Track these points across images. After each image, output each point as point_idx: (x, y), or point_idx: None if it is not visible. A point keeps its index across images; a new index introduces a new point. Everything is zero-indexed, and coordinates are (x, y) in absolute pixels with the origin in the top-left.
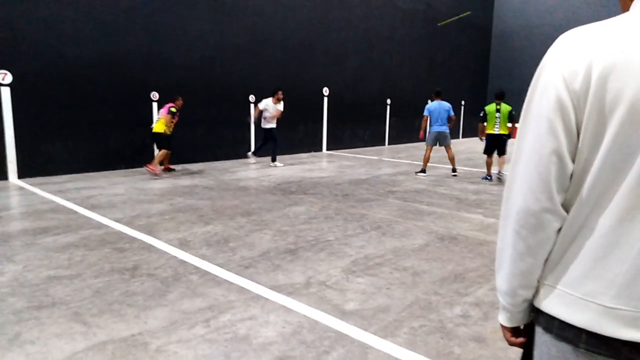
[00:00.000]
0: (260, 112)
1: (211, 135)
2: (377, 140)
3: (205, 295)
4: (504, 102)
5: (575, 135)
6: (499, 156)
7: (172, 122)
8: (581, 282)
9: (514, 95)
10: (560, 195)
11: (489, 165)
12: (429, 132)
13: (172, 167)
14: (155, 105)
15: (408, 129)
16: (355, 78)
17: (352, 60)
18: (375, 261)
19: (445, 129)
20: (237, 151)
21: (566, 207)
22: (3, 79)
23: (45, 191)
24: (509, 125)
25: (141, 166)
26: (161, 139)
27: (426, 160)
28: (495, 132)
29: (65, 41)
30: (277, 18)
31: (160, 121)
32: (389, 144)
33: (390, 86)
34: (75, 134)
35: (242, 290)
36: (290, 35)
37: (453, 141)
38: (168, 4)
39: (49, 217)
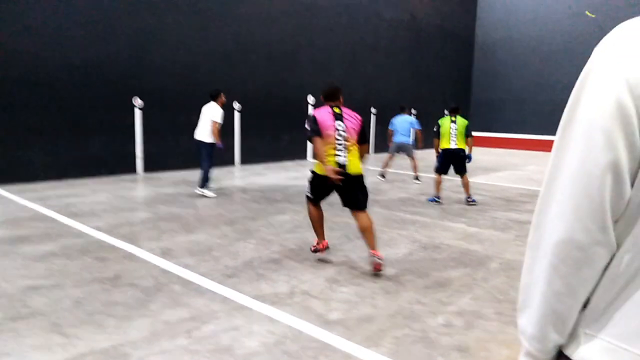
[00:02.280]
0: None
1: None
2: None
3: (187, 305)
4: (460, 116)
5: (638, 152)
6: (461, 177)
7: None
8: None
9: (497, 104)
10: (613, 225)
11: (438, 184)
12: (392, 143)
13: None
14: (138, 111)
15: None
16: (339, 86)
17: (336, 69)
18: (359, 270)
19: (407, 140)
20: (222, 158)
21: (616, 240)
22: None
23: (24, 198)
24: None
25: (125, 172)
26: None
27: (385, 165)
28: (452, 147)
29: (46, 45)
30: (262, 25)
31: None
32: (374, 152)
33: (374, 95)
34: (55, 139)
35: (225, 300)
36: (275, 42)
37: (432, 151)
38: (152, 8)
39: (28, 225)
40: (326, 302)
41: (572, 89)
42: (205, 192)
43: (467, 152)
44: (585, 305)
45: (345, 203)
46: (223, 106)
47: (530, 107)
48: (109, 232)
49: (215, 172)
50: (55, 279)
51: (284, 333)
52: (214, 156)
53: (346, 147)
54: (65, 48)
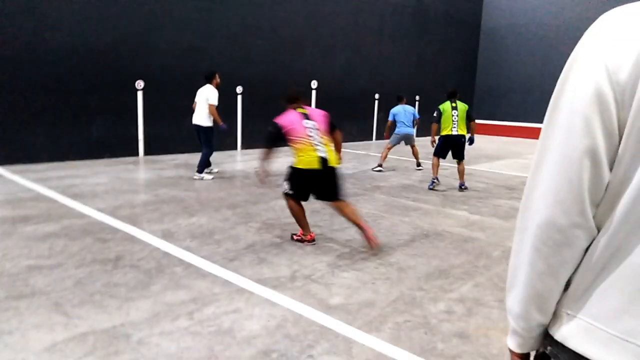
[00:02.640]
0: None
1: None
2: (364, 134)
3: (189, 287)
4: (459, 100)
5: (615, 137)
6: (458, 163)
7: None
8: (618, 318)
9: (502, 92)
10: (592, 209)
11: (435, 167)
12: (394, 134)
13: None
14: (140, 94)
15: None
16: (343, 72)
17: (340, 54)
18: (360, 256)
19: (411, 130)
20: (224, 142)
21: (597, 224)
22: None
23: (26, 179)
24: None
25: (127, 155)
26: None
27: (384, 157)
28: (454, 134)
29: (48, 26)
30: (266, 8)
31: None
32: (376, 139)
33: (378, 81)
34: (57, 121)
35: (226, 283)
36: (279, 26)
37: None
38: None
39: (30, 206)
40: (327, 286)
41: None
42: (204, 176)
43: (470, 135)
44: (567, 287)
45: (322, 196)
46: (218, 87)
47: (535, 95)
48: (110, 213)
49: (217, 156)
50: (57, 259)
51: (284, 317)
52: (213, 140)
53: (322, 142)
54: (67, 30)
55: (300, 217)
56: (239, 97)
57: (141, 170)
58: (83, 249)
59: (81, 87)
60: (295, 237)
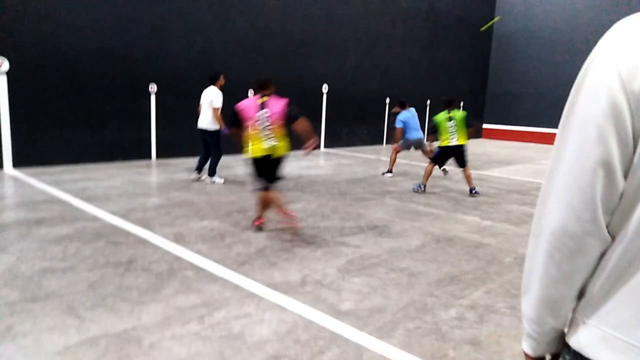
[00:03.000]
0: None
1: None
2: (375, 139)
3: (200, 291)
4: (456, 109)
5: (630, 147)
6: (463, 170)
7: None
8: (635, 327)
9: (513, 97)
10: (606, 217)
11: (428, 173)
12: (404, 139)
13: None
14: (153, 97)
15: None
16: (354, 76)
17: (352, 58)
18: (371, 261)
19: (422, 135)
20: (236, 146)
21: (611, 232)
22: (0, 67)
23: (40, 182)
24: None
25: (140, 158)
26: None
27: (393, 162)
28: (452, 144)
29: (65, 31)
30: (278, 13)
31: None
32: (386, 143)
33: (389, 85)
34: (72, 124)
35: (237, 287)
36: (291, 30)
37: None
38: None
39: (44, 208)
40: (338, 292)
41: None
42: (216, 179)
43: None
44: (583, 294)
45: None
46: (222, 89)
47: (548, 100)
48: (123, 216)
49: (229, 160)
50: (70, 262)
51: (295, 322)
52: (221, 143)
53: (271, 132)
54: (82, 34)
55: (264, 205)
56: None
57: (153, 173)
58: (96, 251)
59: (95, 90)
60: (256, 223)
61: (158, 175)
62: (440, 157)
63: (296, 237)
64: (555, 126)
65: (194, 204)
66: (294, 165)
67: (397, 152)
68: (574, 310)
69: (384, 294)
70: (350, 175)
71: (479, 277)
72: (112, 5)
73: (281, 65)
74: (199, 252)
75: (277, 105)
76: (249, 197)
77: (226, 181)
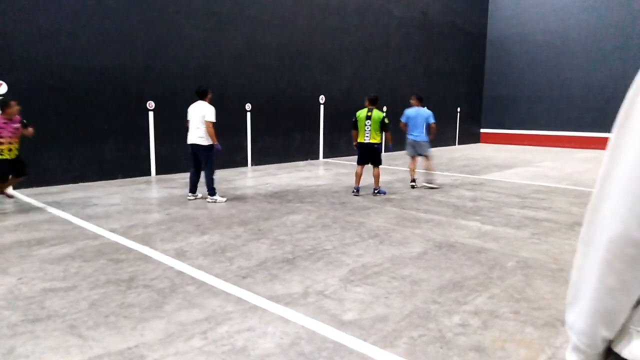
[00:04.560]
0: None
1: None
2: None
3: (202, 306)
4: (377, 109)
5: None
6: (374, 167)
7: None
8: None
9: (510, 101)
10: None
11: (357, 176)
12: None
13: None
14: (151, 114)
15: (404, 136)
16: (351, 85)
17: (347, 68)
18: (373, 270)
19: (421, 138)
20: (234, 160)
21: None
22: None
23: (40, 201)
24: (383, 133)
25: (139, 175)
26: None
27: (412, 170)
28: (366, 141)
29: (62, 51)
30: (272, 26)
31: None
32: (385, 151)
33: (386, 93)
34: (71, 143)
35: (239, 300)
36: (286, 43)
37: (452, 147)
38: (164, 13)
39: (45, 228)
40: (340, 302)
41: (587, 84)
42: (217, 198)
43: (387, 143)
44: (638, 303)
45: (14, 173)
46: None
47: (544, 102)
48: (123, 233)
49: (228, 173)
50: (72, 281)
51: (298, 334)
52: (215, 158)
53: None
54: (80, 53)
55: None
56: (248, 114)
57: (153, 190)
58: (97, 270)
59: (93, 109)
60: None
61: (158, 191)
62: (359, 156)
63: (297, 248)
64: (552, 129)
65: (194, 218)
66: (294, 176)
67: (412, 161)
68: (628, 320)
69: (386, 303)
70: (350, 185)
71: (481, 282)
72: (108, 24)
73: (277, 78)
74: (200, 266)
75: (11, 124)
76: (249, 209)
77: (228, 199)
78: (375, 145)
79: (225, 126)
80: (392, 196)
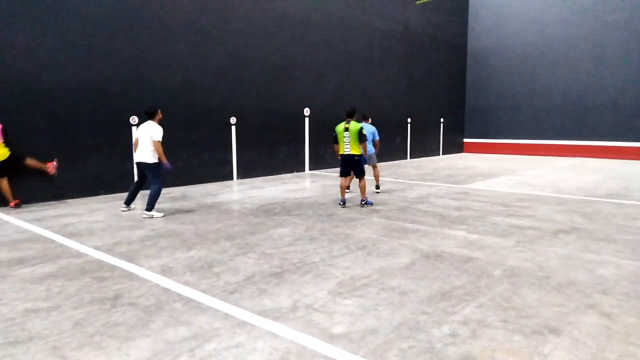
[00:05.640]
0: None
1: (192, 159)
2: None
3: (189, 323)
4: (355, 120)
5: None
6: (359, 180)
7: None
8: None
9: (492, 111)
10: None
11: (342, 188)
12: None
13: (18, 201)
14: (134, 129)
15: (389, 146)
16: (335, 98)
17: (331, 80)
18: (361, 282)
19: (370, 150)
20: (220, 173)
21: None
22: None
23: (21, 219)
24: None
25: (123, 191)
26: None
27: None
28: (346, 153)
29: (43, 67)
30: (256, 40)
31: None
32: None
33: (370, 105)
34: (52, 159)
35: (227, 316)
36: (270, 56)
37: (435, 158)
38: (147, 29)
39: (25, 247)
40: (329, 315)
41: (565, 93)
42: (154, 213)
43: (362, 154)
44: None
45: None
46: (161, 123)
47: (525, 112)
48: (107, 251)
49: (214, 187)
50: (54, 301)
51: (287, 349)
52: (162, 175)
53: None
54: (62, 69)
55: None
56: (233, 128)
57: (137, 205)
58: (81, 289)
59: (76, 125)
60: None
61: (142, 207)
62: (341, 168)
63: (285, 261)
64: (534, 137)
65: (179, 234)
66: (280, 189)
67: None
68: None
69: (376, 315)
70: (337, 196)
71: (469, 291)
72: (90, 41)
73: (262, 91)
74: (187, 282)
75: None
76: (235, 223)
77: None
78: (356, 157)
79: (210, 140)
80: (379, 207)
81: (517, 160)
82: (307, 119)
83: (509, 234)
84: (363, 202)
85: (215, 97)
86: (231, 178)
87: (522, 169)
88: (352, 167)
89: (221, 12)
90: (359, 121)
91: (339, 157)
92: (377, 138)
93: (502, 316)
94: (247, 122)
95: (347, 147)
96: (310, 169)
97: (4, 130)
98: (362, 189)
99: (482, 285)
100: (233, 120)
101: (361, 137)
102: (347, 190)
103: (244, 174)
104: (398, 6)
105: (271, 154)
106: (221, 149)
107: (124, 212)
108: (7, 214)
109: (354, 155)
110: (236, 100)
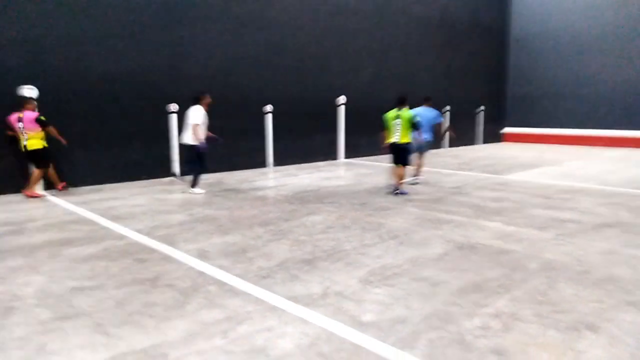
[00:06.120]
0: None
1: (229, 145)
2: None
3: (223, 306)
4: (405, 109)
5: None
6: (400, 167)
7: (46, 132)
8: None
9: (535, 99)
10: None
11: (394, 175)
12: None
13: (64, 183)
14: (174, 116)
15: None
16: (371, 85)
17: (367, 68)
18: (392, 271)
19: (423, 136)
20: (255, 160)
21: None
22: (29, 93)
23: (69, 202)
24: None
25: (163, 176)
26: (40, 156)
27: (418, 167)
28: (395, 141)
29: (88, 56)
30: (291, 28)
31: (34, 136)
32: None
33: (406, 93)
34: (97, 146)
35: (259, 301)
36: (305, 44)
37: (475, 147)
38: (187, 18)
39: (73, 229)
40: (359, 303)
41: (614, 81)
42: (196, 190)
43: (411, 143)
44: None
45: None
46: (208, 107)
47: (570, 100)
48: (148, 234)
49: (248, 174)
50: (99, 280)
51: (317, 334)
52: (200, 158)
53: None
54: (106, 59)
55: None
56: (269, 116)
57: (176, 191)
58: (123, 269)
59: (117, 112)
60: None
61: (181, 192)
62: (391, 156)
63: (317, 248)
64: (580, 127)
65: (216, 219)
66: (314, 177)
67: (418, 159)
68: None
69: (406, 304)
70: (370, 185)
71: (503, 284)
72: (133, 30)
73: (297, 79)
74: (221, 267)
75: (28, 118)
76: (270, 210)
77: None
78: (404, 145)
79: (246, 127)
80: (414, 196)
81: (561, 151)
82: (342, 107)
83: (548, 227)
84: (396, 191)
85: (251, 85)
86: (266, 165)
87: (566, 160)
88: (397, 154)
89: (256, 1)
90: (417, 107)
91: (386, 145)
92: (441, 120)
93: (537, 310)
94: (282, 110)
95: (397, 135)
96: (345, 157)
97: (40, 120)
98: (399, 177)
99: (516, 278)
100: (269, 108)
101: (414, 125)
102: (413, 177)
103: (278, 161)
104: None
105: (306, 141)
106: (257, 136)
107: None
108: (57, 197)
109: (401, 144)
110: (272, 88)
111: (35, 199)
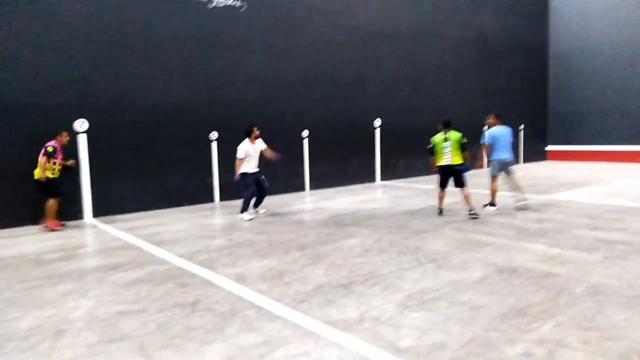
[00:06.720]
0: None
1: (268, 170)
2: (431, 168)
3: (260, 330)
4: (453, 130)
5: None
6: (462, 190)
7: (49, 163)
8: None
9: (578, 115)
10: None
11: (440, 198)
12: (490, 161)
13: (57, 223)
14: (215, 144)
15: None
16: (406, 108)
17: (402, 92)
18: (431, 295)
19: (511, 156)
20: (294, 185)
21: None
22: (81, 127)
23: (116, 229)
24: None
25: (203, 202)
26: (44, 187)
27: (494, 192)
28: (444, 164)
29: (133, 89)
30: (327, 54)
31: (39, 166)
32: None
33: (442, 114)
34: (143, 174)
35: (296, 325)
36: (340, 70)
37: (516, 166)
38: (225, 49)
39: (119, 254)
40: (397, 328)
41: None
42: (243, 216)
43: (464, 163)
44: None
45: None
46: (256, 138)
47: (616, 116)
48: (189, 258)
49: (286, 198)
50: (142, 304)
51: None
52: (246, 185)
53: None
54: (150, 91)
55: None
56: (305, 140)
57: (217, 216)
58: (165, 294)
59: (162, 141)
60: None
61: (221, 217)
62: (441, 179)
63: (353, 272)
64: (627, 143)
65: (254, 243)
66: (350, 200)
67: (494, 179)
68: None
69: (445, 329)
70: (407, 207)
71: (547, 309)
72: (175, 63)
73: (333, 104)
74: (259, 291)
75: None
76: (306, 234)
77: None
78: (456, 167)
79: (283, 152)
80: (452, 218)
81: (606, 169)
82: (377, 130)
83: (595, 249)
84: (472, 213)
85: (289, 111)
86: (304, 189)
87: (613, 178)
88: (453, 177)
89: (293, 29)
90: (458, 130)
91: (435, 169)
92: (510, 140)
93: (583, 337)
94: (319, 134)
95: (448, 157)
96: (382, 180)
97: (60, 149)
98: (467, 198)
99: (561, 303)
100: (305, 133)
101: (462, 146)
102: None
103: (316, 185)
104: (471, 12)
105: (342, 165)
106: (294, 160)
107: (251, 217)
108: (104, 223)
109: (454, 166)
110: (308, 113)
111: (58, 230)
